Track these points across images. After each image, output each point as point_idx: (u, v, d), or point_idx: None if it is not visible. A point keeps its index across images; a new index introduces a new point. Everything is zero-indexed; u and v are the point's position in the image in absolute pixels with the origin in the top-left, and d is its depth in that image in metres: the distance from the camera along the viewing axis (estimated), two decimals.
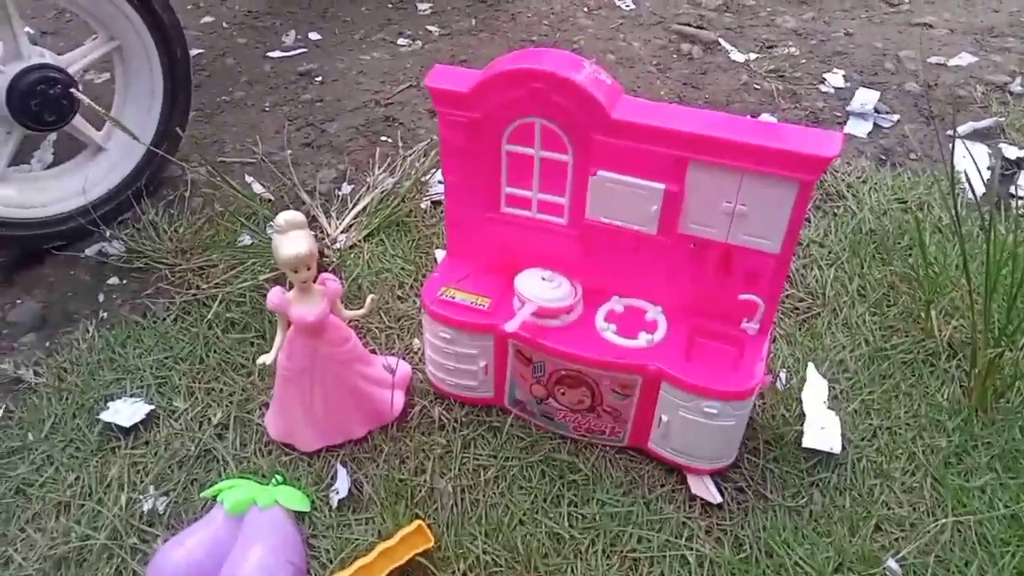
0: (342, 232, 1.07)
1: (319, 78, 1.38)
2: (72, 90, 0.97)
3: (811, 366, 0.88)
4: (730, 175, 0.67)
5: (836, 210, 1.10)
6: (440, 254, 1.02)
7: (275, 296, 0.72)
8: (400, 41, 1.48)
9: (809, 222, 1.09)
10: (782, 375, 0.88)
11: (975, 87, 1.33)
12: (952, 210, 0.84)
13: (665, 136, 0.67)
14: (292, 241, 0.70)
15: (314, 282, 0.73)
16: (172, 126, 1.09)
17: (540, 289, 0.77)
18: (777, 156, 0.65)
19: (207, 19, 1.55)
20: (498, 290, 0.80)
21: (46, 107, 0.96)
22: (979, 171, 1.15)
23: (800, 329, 0.94)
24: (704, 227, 0.72)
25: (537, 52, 0.71)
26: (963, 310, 0.92)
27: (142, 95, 1.06)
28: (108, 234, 1.05)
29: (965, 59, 1.39)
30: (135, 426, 0.83)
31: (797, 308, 0.97)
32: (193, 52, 1.45)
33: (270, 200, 1.13)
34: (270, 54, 1.45)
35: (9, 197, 0.99)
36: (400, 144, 1.23)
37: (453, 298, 0.79)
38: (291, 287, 0.73)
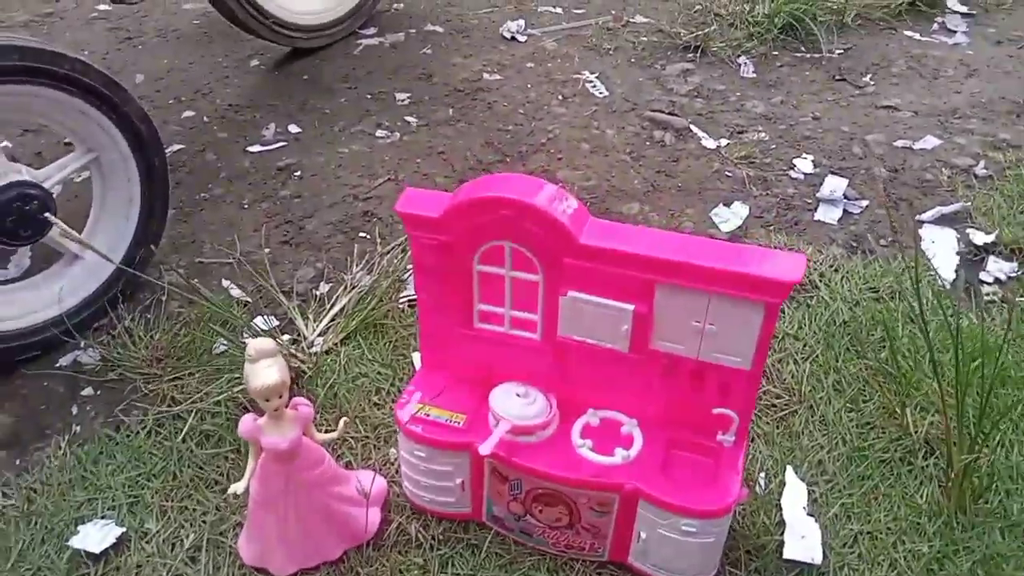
0: (319, 335, 1.07)
1: (298, 172, 1.40)
2: (47, 214, 0.98)
3: (790, 470, 0.88)
4: (698, 296, 0.68)
5: (810, 301, 1.11)
6: (417, 356, 1.02)
7: (246, 424, 0.72)
8: (379, 133, 1.50)
9: (784, 313, 1.10)
10: (761, 479, 0.88)
11: (941, 170, 1.36)
12: (918, 304, 0.85)
13: (633, 260, 0.68)
14: (263, 371, 0.69)
15: (286, 407, 0.73)
16: (150, 233, 1.10)
17: (515, 406, 0.77)
18: (742, 280, 0.66)
19: (188, 113, 1.58)
20: (473, 405, 0.80)
21: (22, 224, 0.96)
22: (959, 256, 1.17)
23: (778, 428, 0.94)
24: (674, 344, 0.72)
25: (505, 178, 0.73)
26: (939, 405, 0.93)
27: (119, 204, 1.07)
28: (83, 343, 1.05)
29: (930, 142, 1.42)
30: (105, 551, 0.81)
31: (775, 405, 0.97)
32: (174, 148, 1.47)
33: (247, 303, 1.13)
34: (250, 148, 1.47)
35: None
36: (378, 240, 1.24)
37: (428, 415, 0.79)
38: (263, 412, 0.72)
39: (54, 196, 1.01)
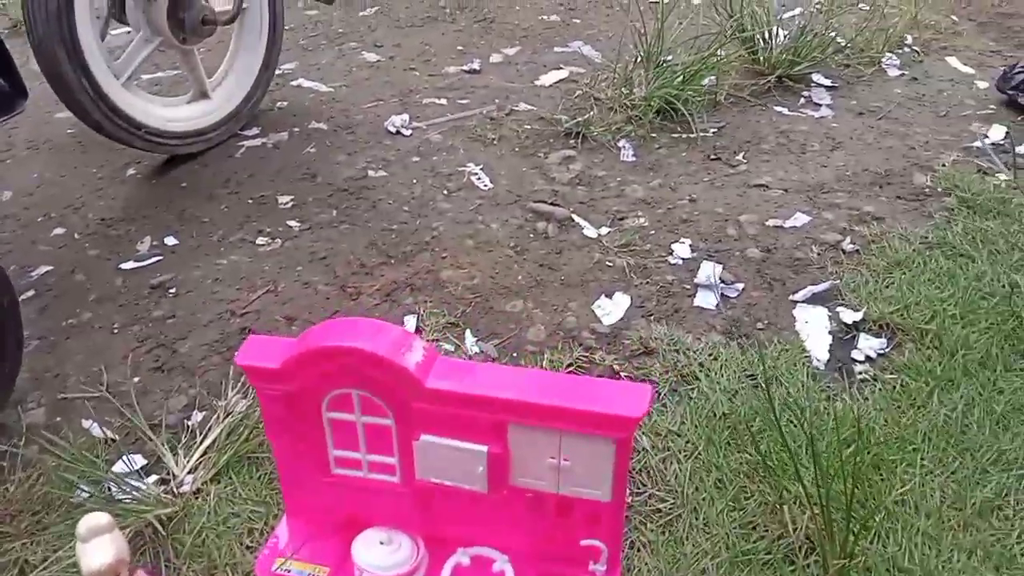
0: (189, 472, 1.01)
1: (172, 289, 1.35)
2: None
3: None
4: (549, 434, 0.67)
5: (691, 393, 1.12)
6: None
7: None
8: (260, 240, 1.47)
9: (666, 408, 1.10)
10: None
11: (811, 248, 1.41)
12: (789, 390, 0.86)
13: (481, 402, 0.67)
14: (95, 553, 0.65)
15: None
16: (2, 378, 1.03)
17: (378, 556, 0.74)
18: (589, 418, 0.65)
19: (59, 231, 1.51)
20: (338, 556, 0.76)
21: None
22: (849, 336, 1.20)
23: (663, 535, 0.93)
24: (534, 480, 0.71)
25: (348, 324, 0.71)
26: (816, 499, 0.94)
27: None
28: None
29: (800, 219, 1.48)
30: None
31: (659, 510, 0.96)
32: (41, 271, 1.40)
33: (113, 441, 1.07)
34: (123, 265, 1.41)
35: None
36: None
37: (289, 570, 0.75)
38: None
39: None
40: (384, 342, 0.68)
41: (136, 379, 1.18)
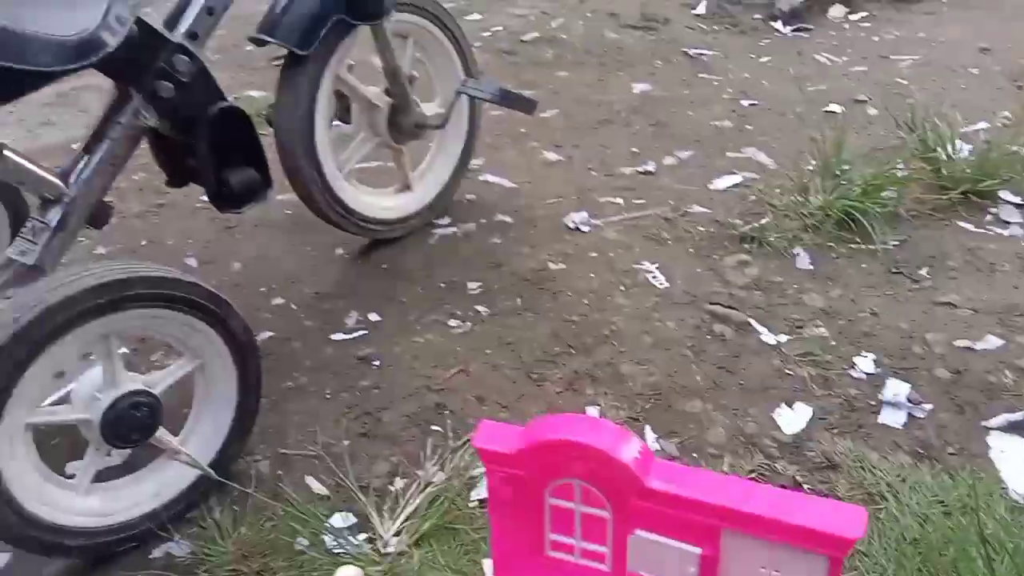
0: (394, 535, 1.11)
1: (376, 362, 1.49)
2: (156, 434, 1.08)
3: None
4: (762, 545, 0.71)
5: (879, 514, 1.11)
6: (488, 564, 1.05)
7: None
8: (451, 322, 1.60)
9: None
10: None
11: (1005, 373, 1.37)
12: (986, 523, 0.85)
13: (697, 506, 0.72)
14: None
15: None
16: (243, 430, 1.19)
17: None
18: (806, 534, 0.69)
19: (278, 300, 1.71)
20: None
21: (135, 429, 1.06)
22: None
23: None
24: None
25: (573, 420, 0.79)
26: None
27: (218, 404, 1.17)
28: (176, 538, 1.11)
29: (992, 342, 1.44)
30: None
31: None
32: (264, 336, 1.59)
33: (328, 497, 1.19)
34: (333, 336, 1.58)
35: (92, 507, 1.07)
36: (450, 434, 1.30)
37: None
38: None
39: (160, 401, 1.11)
40: (612, 440, 0.75)
41: (346, 442, 1.31)
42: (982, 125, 2.33)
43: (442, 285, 1.74)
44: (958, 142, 2.03)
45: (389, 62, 1.71)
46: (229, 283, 1.77)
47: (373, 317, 1.64)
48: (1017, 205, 1.94)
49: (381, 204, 1.86)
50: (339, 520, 1.14)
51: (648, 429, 1.30)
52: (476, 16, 3.35)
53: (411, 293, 1.71)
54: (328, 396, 1.42)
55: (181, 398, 1.20)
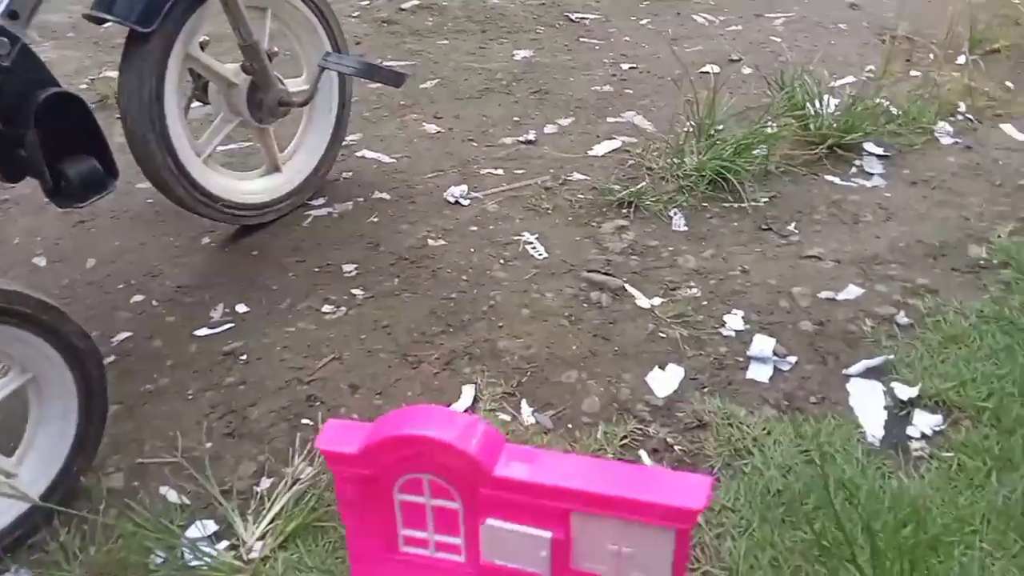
0: (258, 539, 1.06)
1: (243, 356, 1.42)
2: None
3: None
4: (611, 523, 0.70)
5: (745, 468, 1.14)
6: None
7: None
8: (325, 308, 1.54)
9: (720, 483, 1.12)
10: None
11: (864, 321, 1.42)
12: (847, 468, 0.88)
13: (545, 490, 0.71)
14: None
15: None
16: (87, 444, 1.10)
17: None
18: (650, 508, 0.68)
19: (138, 297, 1.61)
20: None
21: None
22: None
23: None
24: (596, 565, 0.74)
25: (421, 412, 0.76)
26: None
27: (55, 420, 1.08)
28: (14, 567, 1.03)
29: (853, 292, 1.49)
30: None
31: None
32: (121, 336, 1.49)
33: (187, 506, 1.13)
34: (197, 332, 1.50)
35: None
36: (321, 427, 1.25)
37: None
38: None
39: None
40: (455, 431, 0.72)
41: (209, 444, 1.24)
42: (849, 79, 2.41)
43: (316, 270, 1.67)
44: (826, 97, 2.08)
45: (245, 37, 1.61)
46: (83, 282, 1.65)
47: (241, 308, 1.56)
48: (879, 156, 2.01)
49: (248, 188, 1.77)
50: (197, 530, 1.07)
51: (524, 403, 1.28)
52: None
53: (283, 280, 1.64)
54: (191, 397, 1.34)
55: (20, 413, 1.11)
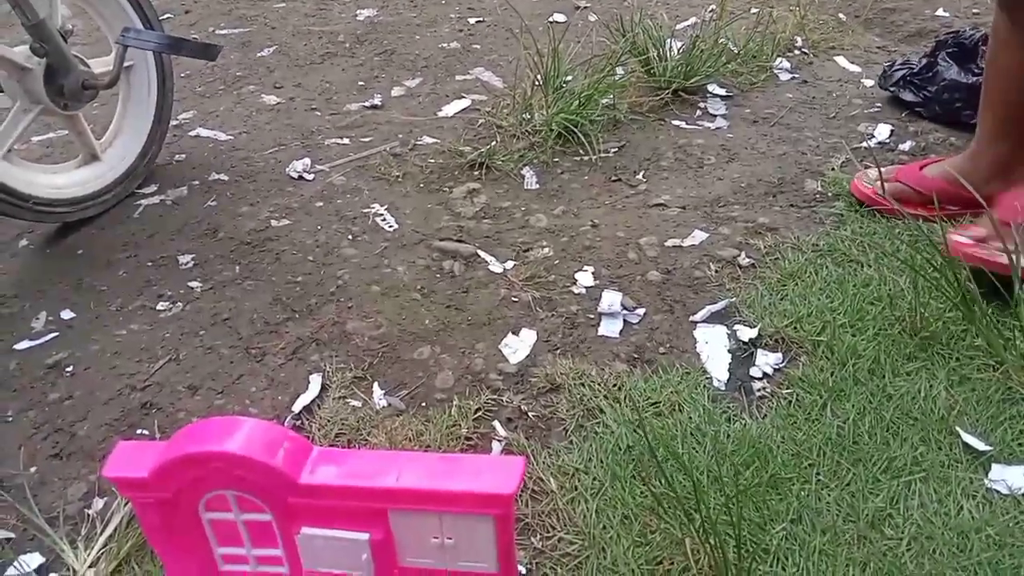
0: (90, 566, 0.99)
1: (69, 368, 1.31)
2: None
3: None
4: (429, 517, 0.68)
5: (597, 428, 1.14)
6: None
7: None
8: (160, 306, 1.44)
9: (573, 445, 1.12)
10: None
11: (709, 266, 1.44)
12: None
13: (357, 493, 0.67)
14: None
15: None
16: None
17: None
18: (464, 498, 0.66)
19: None
20: None
21: None
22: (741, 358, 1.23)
23: None
24: (422, 560, 0.71)
25: (216, 425, 0.70)
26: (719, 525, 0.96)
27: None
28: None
29: (698, 237, 1.51)
30: None
31: (568, 554, 0.98)
32: None
33: (10, 540, 1.03)
34: (17, 346, 1.37)
35: None
36: (158, 436, 1.17)
37: None
38: None
39: None
40: (253, 442, 0.67)
41: (33, 469, 1.14)
42: (691, 21, 2.43)
43: (149, 264, 1.55)
44: (668, 41, 2.09)
45: (29, 16, 1.45)
46: None
47: (66, 315, 1.43)
48: (722, 97, 2.05)
49: (63, 181, 1.62)
50: (16, 567, 0.99)
51: (376, 385, 1.24)
52: None
53: (112, 279, 1.52)
54: (10, 419, 1.23)
55: None
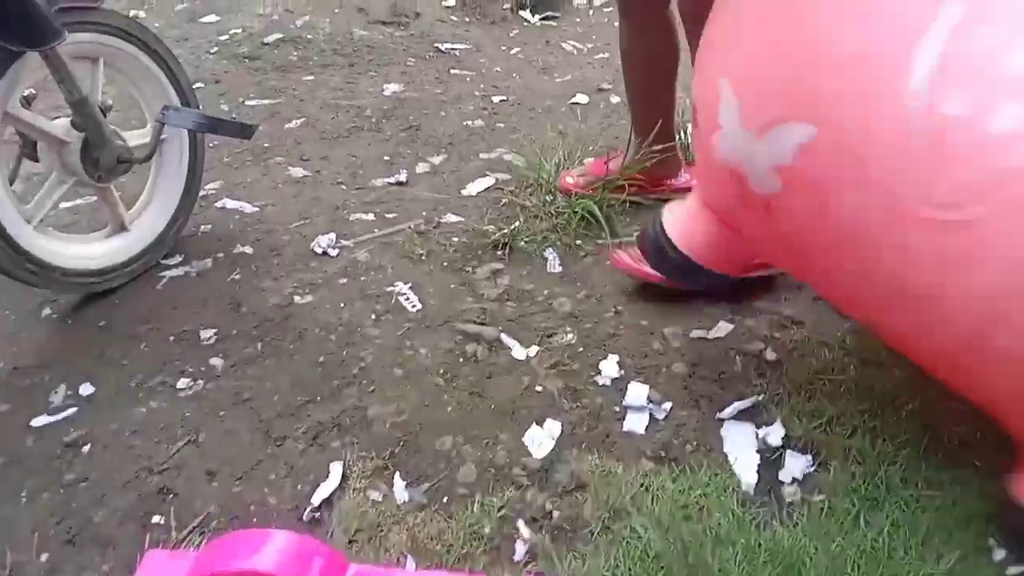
0: None
1: (87, 447, 1.30)
2: None
3: None
4: None
5: (623, 531, 1.11)
6: None
7: None
8: (181, 383, 1.43)
9: (599, 550, 1.09)
10: None
11: (735, 359, 1.43)
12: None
13: None
14: None
15: None
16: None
17: None
18: None
19: None
20: None
21: None
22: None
23: None
24: None
25: (250, 538, 0.68)
26: None
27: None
28: None
29: (723, 328, 1.51)
30: None
31: None
32: None
33: None
34: (34, 422, 1.35)
35: None
36: (173, 524, 1.15)
37: None
38: None
39: None
40: (285, 558, 0.65)
41: (44, 556, 1.11)
42: None
43: (171, 338, 1.55)
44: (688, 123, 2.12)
45: (72, 92, 1.48)
46: None
47: (86, 389, 1.42)
48: None
49: (90, 252, 1.63)
50: None
51: (397, 476, 1.22)
52: (212, 18, 3.09)
53: (134, 353, 1.51)
54: (24, 500, 1.21)
55: None
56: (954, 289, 0.92)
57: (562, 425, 1.31)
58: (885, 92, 0.91)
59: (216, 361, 1.48)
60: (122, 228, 1.70)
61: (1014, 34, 0.84)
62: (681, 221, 1.44)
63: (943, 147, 0.87)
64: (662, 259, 1.47)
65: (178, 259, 1.79)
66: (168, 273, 1.74)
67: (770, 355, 1.43)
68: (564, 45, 2.96)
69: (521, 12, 3.21)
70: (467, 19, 3.19)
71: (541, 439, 1.28)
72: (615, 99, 2.51)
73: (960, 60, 0.86)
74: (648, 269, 1.53)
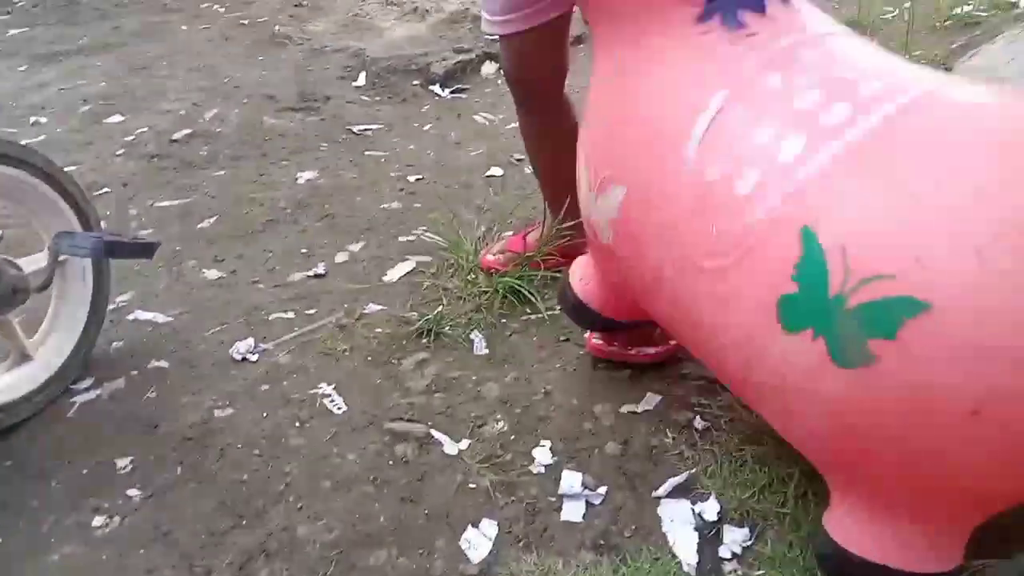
0: None
1: None
2: None
3: None
4: None
5: None
6: None
7: None
8: (96, 521, 1.35)
9: None
10: None
11: (666, 432, 1.43)
12: None
13: None
14: None
15: None
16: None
17: None
18: None
19: None
20: None
21: None
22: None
23: None
24: None
25: None
26: None
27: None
28: None
29: (651, 400, 1.51)
30: None
31: None
32: None
33: None
34: None
35: None
36: None
37: None
38: None
39: None
40: None
41: None
42: None
43: (84, 472, 1.47)
44: None
45: None
46: None
47: None
48: None
49: None
50: None
51: None
52: (117, 118, 3.03)
53: (43, 493, 1.43)
54: None
55: None
56: (723, 330, 1.06)
57: (498, 523, 1.28)
58: (670, 158, 1.10)
59: (133, 492, 1.41)
60: (25, 358, 1.63)
61: (758, 115, 1.02)
62: (577, 269, 1.54)
63: (707, 205, 1.05)
64: (567, 306, 1.55)
65: (89, 382, 1.71)
66: (79, 398, 1.66)
67: (699, 424, 1.44)
68: (476, 117, 2.99)
69: (431, 87, 3.24)
70: (378, 98, 3.20)
71: (478, 542, 1.24)
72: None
73: (719, 134, 1.05)
74: (621, 351, 1.59)
